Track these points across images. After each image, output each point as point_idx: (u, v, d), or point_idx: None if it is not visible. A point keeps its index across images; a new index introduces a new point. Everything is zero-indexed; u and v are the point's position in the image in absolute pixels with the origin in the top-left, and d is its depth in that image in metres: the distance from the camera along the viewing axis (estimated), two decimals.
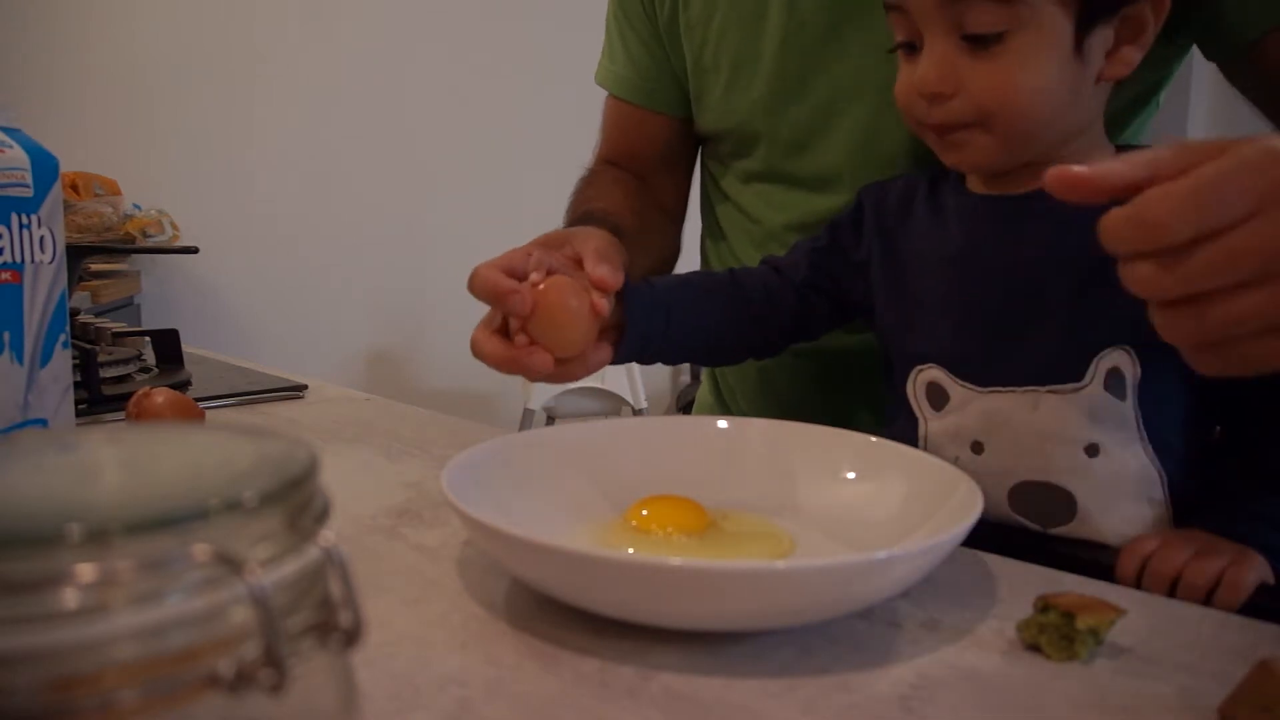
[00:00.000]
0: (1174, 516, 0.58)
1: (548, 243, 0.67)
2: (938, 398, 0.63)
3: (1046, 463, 0.59)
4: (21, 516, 0.23)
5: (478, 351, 0.62)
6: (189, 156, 2.45)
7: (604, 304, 0.60)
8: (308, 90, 2.56)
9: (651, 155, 0.93)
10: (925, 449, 0.64)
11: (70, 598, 0.20)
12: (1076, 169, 0.42)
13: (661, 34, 0.88)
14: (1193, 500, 0.58)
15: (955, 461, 0.62)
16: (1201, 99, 3.02)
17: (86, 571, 0.20)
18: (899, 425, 0.67)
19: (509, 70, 2.85)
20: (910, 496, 0.52)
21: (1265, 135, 0.40)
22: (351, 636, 0.24)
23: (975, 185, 0.65)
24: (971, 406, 0.61)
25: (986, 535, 0.49)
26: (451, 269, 2.53)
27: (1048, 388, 0.58)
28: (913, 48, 0.59)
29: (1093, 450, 0.58)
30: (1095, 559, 0.57)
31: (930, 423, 0.64)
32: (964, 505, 0.45)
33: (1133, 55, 0.57)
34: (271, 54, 2.52)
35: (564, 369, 0.62)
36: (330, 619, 0.24)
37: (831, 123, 0.77)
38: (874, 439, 0.58)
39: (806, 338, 0.74)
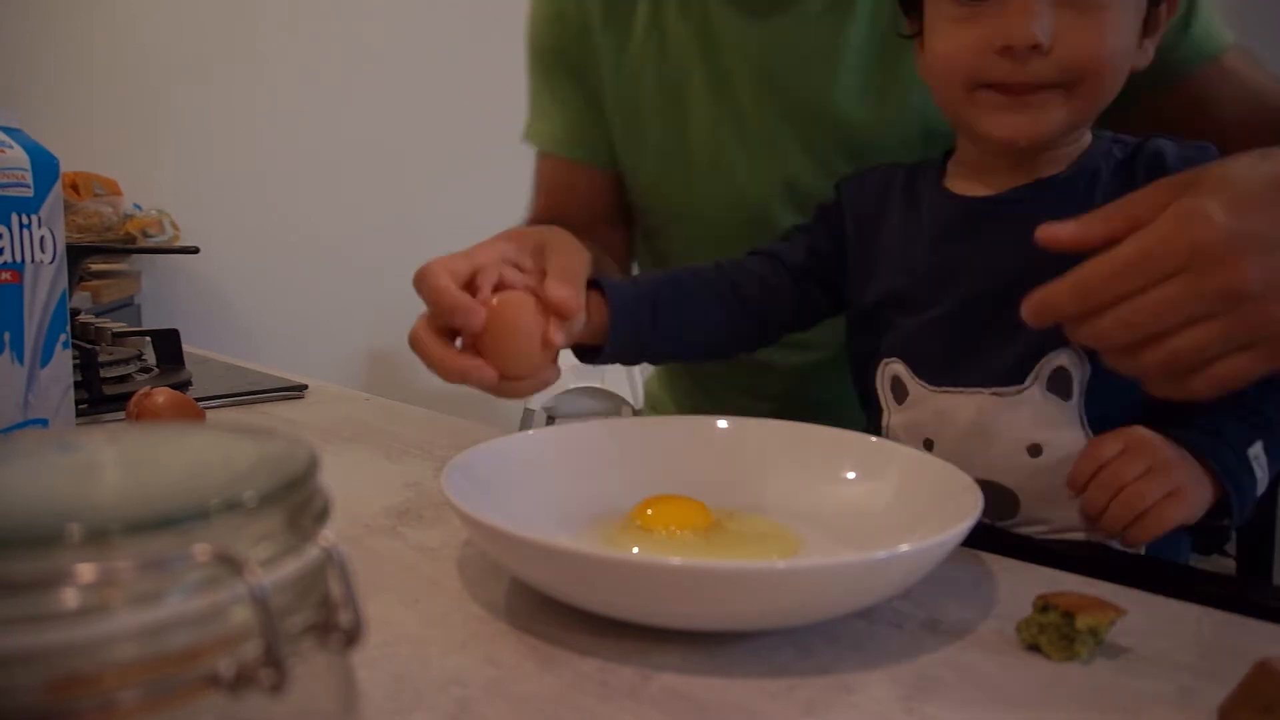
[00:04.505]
0: None
1: (521, 243, 0.63)
2: (900, 391, 0.64)
3: (989, 462, 0.59)
4: (21, 516, 0.23)
5: (418, 350, 0.59)
6: (189, 156, 2.44)
7: (559, 336, 0.58)
8: (308, 90, 2.55)
9: (595, 210, 0.89)
10: (886, 439, 0.64)
11: (70, 598, 0.20)
12: (1065, 233, 0.49)
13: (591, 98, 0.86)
14: None
15: None
16: None
17: (86, 571, 0.20)
18: (868, 414, 0.68)
19: (510, 72, 2.84)
20: (911, 496, 0.52)
21: (1206, 177, 0.46)
22: (351, 636, 0.24)
23: (952, 182, 0.64)
24: (926, 404, 0.62)
25: (986, 535, 0.49)
26: None
27: (990, 390, 0.59)
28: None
29: (1035, 450, 0.58)
30: (1096, 557, 0.57)
31: (893, 415, 0.65)
32: (964, 505, 0.45)
33: (1150, 49, 0.58)
34: (272, 54, 2.52)
35: (509, 386, 0.59)
36: (330, 619, 0.24)
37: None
38: (874, 439, 0.59)
39: (801, 328, 0.73)
